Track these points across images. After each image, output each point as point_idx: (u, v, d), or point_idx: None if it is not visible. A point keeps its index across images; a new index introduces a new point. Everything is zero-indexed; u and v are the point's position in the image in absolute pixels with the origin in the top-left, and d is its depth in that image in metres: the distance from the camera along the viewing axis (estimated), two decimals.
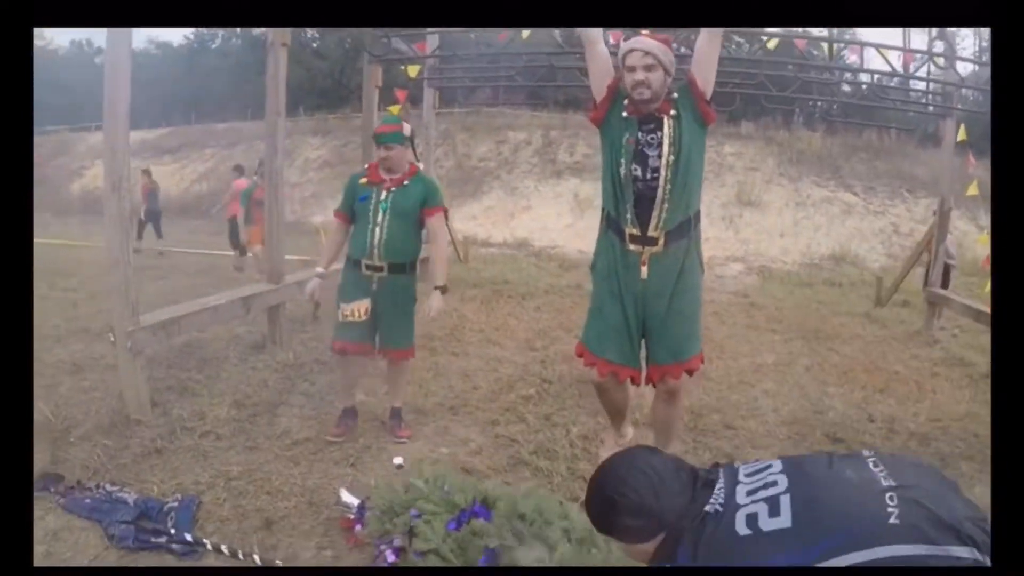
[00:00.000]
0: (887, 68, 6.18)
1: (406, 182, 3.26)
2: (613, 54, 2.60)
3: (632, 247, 2.51)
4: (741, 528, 1.26)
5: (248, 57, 22.59)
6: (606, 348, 2.62)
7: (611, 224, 2.59)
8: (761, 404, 4.30)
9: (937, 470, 1.44)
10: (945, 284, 7.21)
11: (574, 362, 4.66)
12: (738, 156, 15.57)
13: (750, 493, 1.33)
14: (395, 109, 7.08)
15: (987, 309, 6.03)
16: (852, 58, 7.70)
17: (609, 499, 1.43)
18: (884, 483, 1.26)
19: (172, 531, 2.47)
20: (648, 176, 2.43)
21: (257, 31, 25.42)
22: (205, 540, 2.44)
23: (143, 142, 21.15)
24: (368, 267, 3.24)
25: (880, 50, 5.91)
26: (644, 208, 2.46)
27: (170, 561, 2.37)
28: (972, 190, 6.83)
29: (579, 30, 2.64)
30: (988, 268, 7.40)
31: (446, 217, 3.51)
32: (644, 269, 2.50)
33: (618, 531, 1.46)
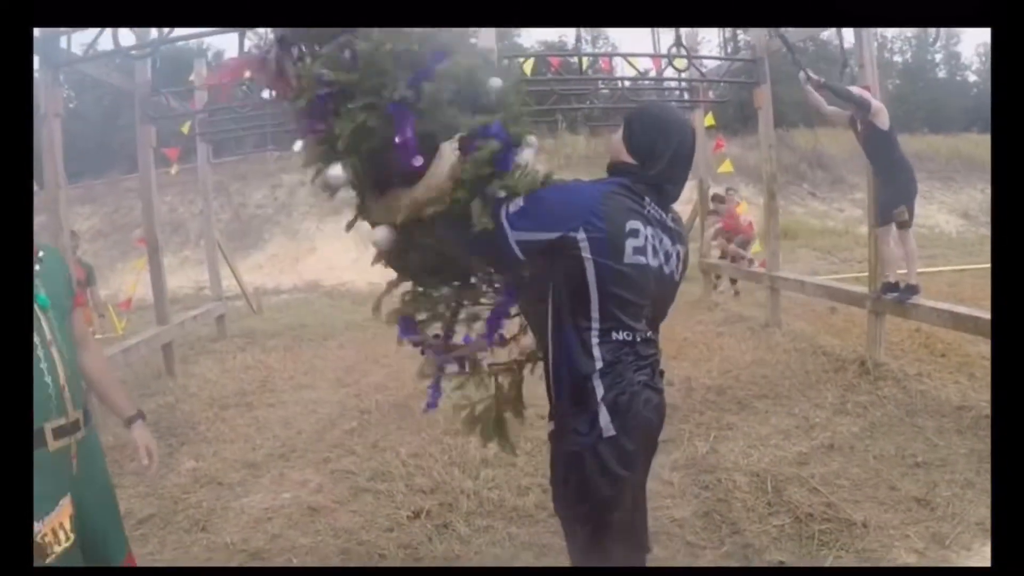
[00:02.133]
0: (639, 72, 7.25)
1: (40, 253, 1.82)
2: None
3: None
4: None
5: None
6: None
7: None
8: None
9: None
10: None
11: (388, 390, 4.95)
12: None
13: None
14: (173, 170, 7.39)
15: (758, 269, 7.21)
16: (605, 66, 8.67)
17: (660, 118, 1.67)
18: None
19: None
20: None
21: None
22: None
23: None
24: (60, 431, 1.74)
25: (627, 59, 7.00)
26: None
27: None
28: (725, 167, 7.89)
29: None
30: (753, 232, 8.30)
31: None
32: None
33: (635, 125, 1.66)
